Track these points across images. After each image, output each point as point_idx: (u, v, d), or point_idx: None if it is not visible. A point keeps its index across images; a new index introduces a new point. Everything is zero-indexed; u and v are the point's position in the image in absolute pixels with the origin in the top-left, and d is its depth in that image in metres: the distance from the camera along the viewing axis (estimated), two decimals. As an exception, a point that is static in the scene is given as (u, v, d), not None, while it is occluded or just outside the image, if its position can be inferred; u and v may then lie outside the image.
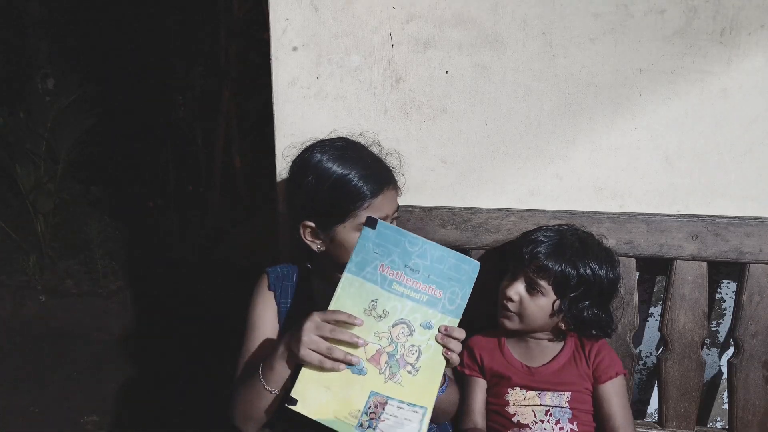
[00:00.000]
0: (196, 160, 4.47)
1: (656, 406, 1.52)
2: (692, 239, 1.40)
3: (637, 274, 1.46)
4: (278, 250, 1.59)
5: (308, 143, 1.28)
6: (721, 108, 1.41)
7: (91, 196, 4.04)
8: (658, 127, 1.43)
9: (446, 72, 1.46)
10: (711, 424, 1.63)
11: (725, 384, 1.55)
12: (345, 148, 1.24)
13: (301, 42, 1.47)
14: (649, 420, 1.60)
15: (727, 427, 1.46)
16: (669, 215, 1.42)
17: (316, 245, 1.26)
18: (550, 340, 1.34)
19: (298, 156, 1.27)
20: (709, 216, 1.41)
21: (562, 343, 1.36)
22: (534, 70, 1.43)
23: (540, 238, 1.30)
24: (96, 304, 3.10)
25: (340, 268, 1.27)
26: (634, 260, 1.43)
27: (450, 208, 1.48)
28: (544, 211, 1.46)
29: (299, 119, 1.51)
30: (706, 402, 1.61)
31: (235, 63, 4.14)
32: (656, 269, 1.52)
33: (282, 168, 1.55)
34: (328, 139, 1.27)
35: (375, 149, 1.31)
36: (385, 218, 1.21)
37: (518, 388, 1.33)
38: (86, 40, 4.65)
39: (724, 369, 1.57)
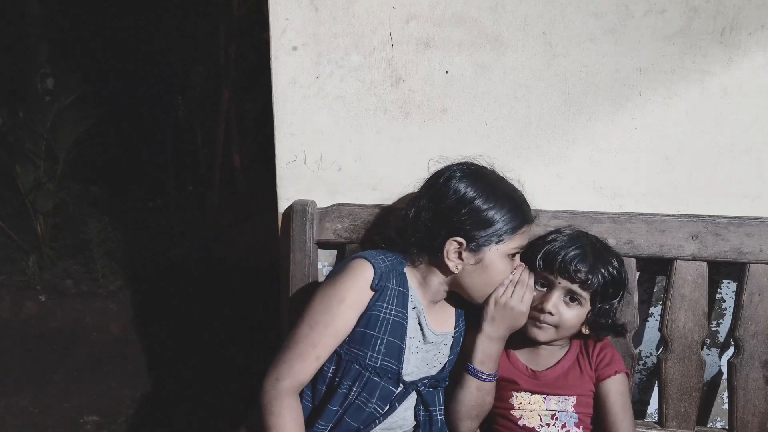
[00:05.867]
0: (196, 160, 4.47)
1: (656, 406, 1.52)
2: (692, 239, 1.40)
3: (637, 274, 1.45)
4: (278, 250, 1.59)
5: (448, 165, 1.25)
6: (721, 108, 1.41)
7: (91, 196, 4.04)
8: (658, 127, 1.43)
9: (446, 72, 1.46)
10: (711, 424, 1.63)
11: (725, 384, 1.55)
12: (494, 185, 1.22)
13: (301, 42, 1.47)
14: (649, 420, 1.59)
15: (727, 427, 1.46)
16: (669, 215, 1.42)
17: (453, 264, 1.19)
18: (558, 344, 1.34)
19: (443, 185, 1.21)
20: (709, 216, 1.40)
21: (567, 347, 1.35)
22: (534, 69, 1.43)
23: (573, 252, 1.27)
24: (96, 304, 3.10)
25: (456, 295, 1.26)
26: (634, 260, 1.43)
27: (450, 208, 1.47)
28: (544, 211, 1.45)
29: (299, 119, 1.51)
30: (706, 402, 1.61)
31: (235, 63, 4.13)
32: (656, 269, 1.52)
33: (283, 167, 1.55)
34: (470, 172, 1.23)
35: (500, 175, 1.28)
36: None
37: (523, 392, 1.34)
38: (86, 40, 4.65)
39: (724, 369, 1.57)
